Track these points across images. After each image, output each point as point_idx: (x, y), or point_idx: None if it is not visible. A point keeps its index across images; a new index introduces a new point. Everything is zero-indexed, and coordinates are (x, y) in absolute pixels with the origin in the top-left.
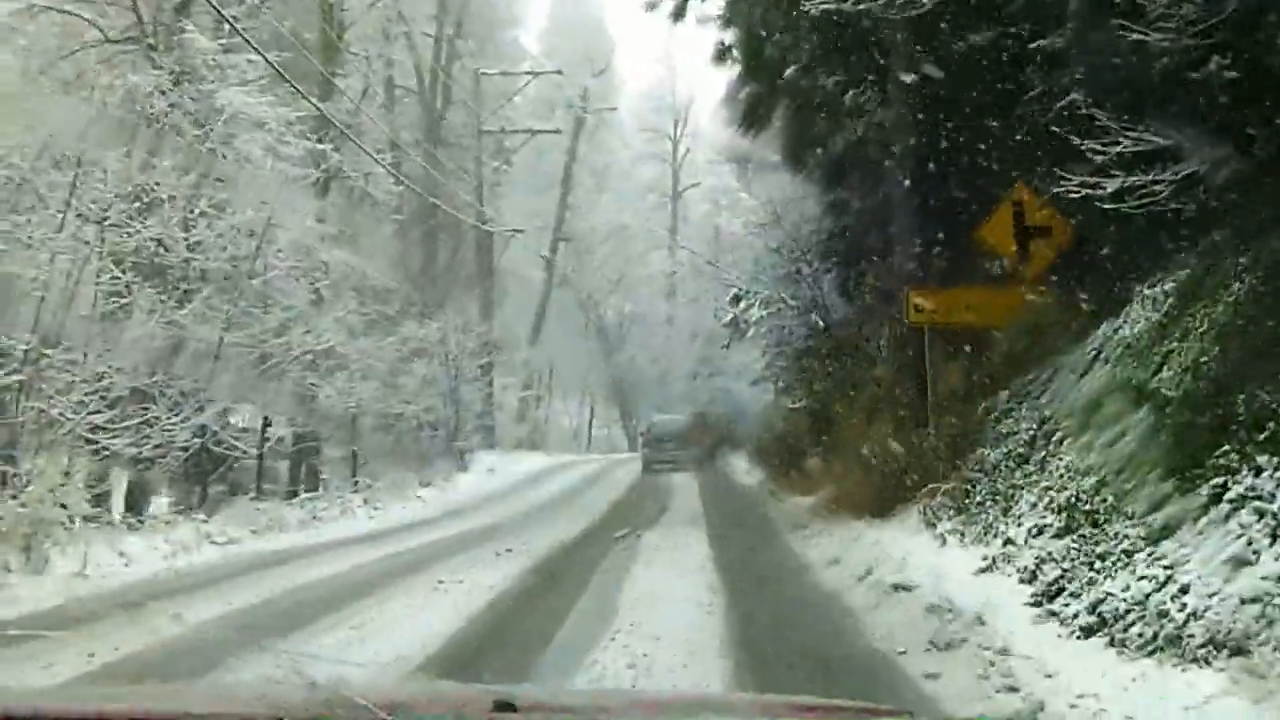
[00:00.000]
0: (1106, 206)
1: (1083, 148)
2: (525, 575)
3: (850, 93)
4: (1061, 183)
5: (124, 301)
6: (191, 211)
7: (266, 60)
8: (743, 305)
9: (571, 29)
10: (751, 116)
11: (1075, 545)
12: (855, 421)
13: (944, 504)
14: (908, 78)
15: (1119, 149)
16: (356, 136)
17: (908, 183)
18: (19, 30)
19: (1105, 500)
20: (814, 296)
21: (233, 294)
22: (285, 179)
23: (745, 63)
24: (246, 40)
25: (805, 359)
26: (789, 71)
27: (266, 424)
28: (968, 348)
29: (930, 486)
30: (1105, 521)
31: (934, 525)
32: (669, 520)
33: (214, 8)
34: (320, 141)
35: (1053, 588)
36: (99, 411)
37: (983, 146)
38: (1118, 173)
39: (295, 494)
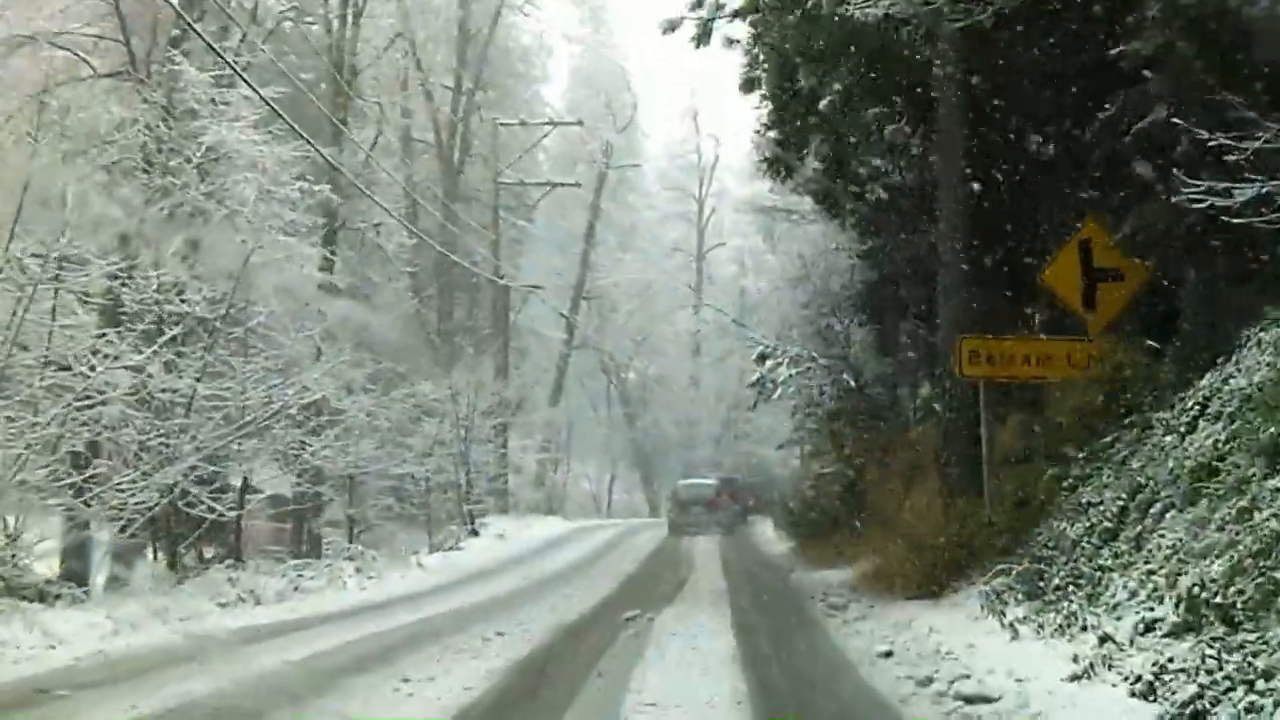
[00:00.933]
0: (1235, 221)
1: (1213, 143)
2: (511, 672)
3: (891, 127)
4: (1176, 195)
5: (82, 346)
6: (163, 251)
7: (260, 95)
8: (769, 364)
9: (593, 85)
10: (781, 160)
11: (1211, 651)
12: (891, 488)
13: (1011, 586)
14: (953, 99)
15: (1260, 143)
16: (368, 186)
17: (955, 224)
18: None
19: (1243, 591)
20: (845, 354)
21: (207, 341)
22: (277, 222)
23: (774, 94)
24: (236, 72)
25: (836, 421)
26: (824, 103)
27: (246, 484)
28: (1023, 405)
29: (995, 565)
30: (1247, 620)
31: (1000, 612)
32: (688, 597)
33: (205, 41)
34: (328, 188)
35: (1189, 709)
36: (48, 467)
37: (1043, 179)
38: (1255, 177)
39: (296, 558)
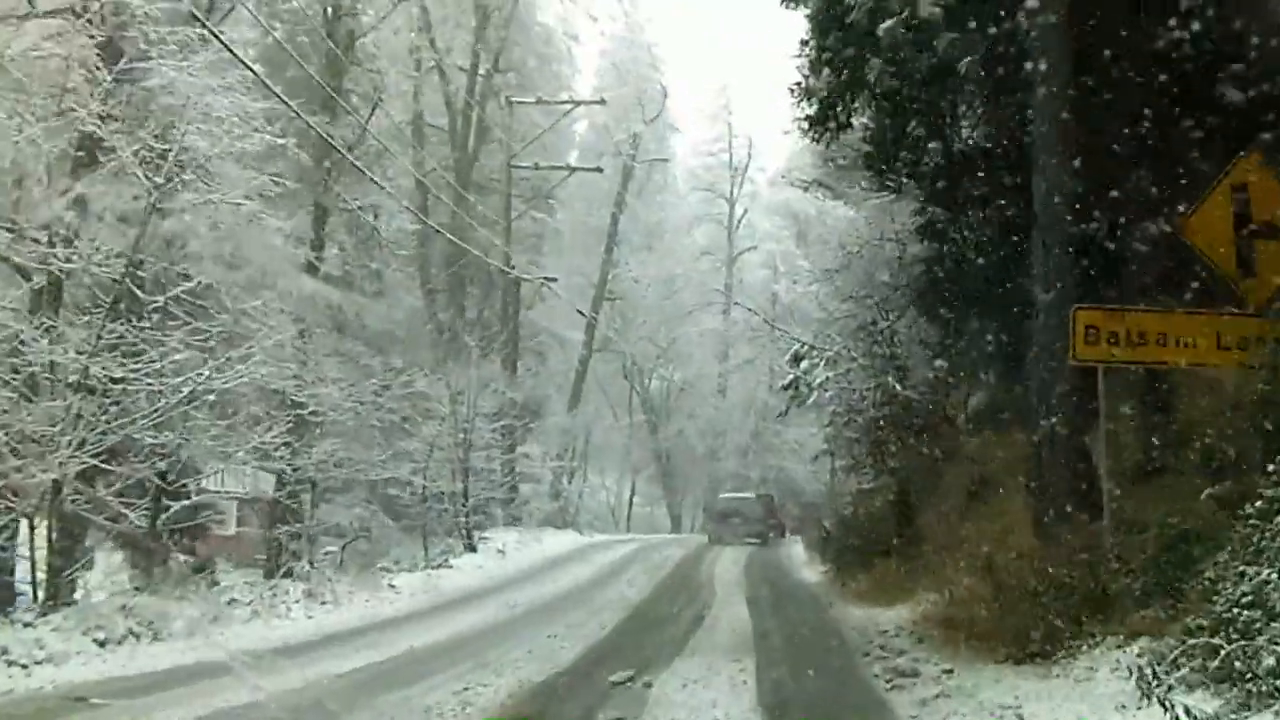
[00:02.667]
0: None
1: None
2: None
3: (970, 59)
4: None
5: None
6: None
7: (217, 38)
8: (805, 366)
9: (621, 73)
10: (827, 113)
11: None
12: (948, 508)
13: (1177, 659)
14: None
15: None
16: (368, 166)
17: (1059, 178)
18: None
19: None
20: (890, 354)
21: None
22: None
23: (819, 19)
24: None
25: (879, 429)
26: (884, 27)
27: (165, 483)
28: (1137, 397)
29: (1136, 622)
30: None
31: (1166, 701)
32: (702, 645)
33: None
34: (293, 141)
35: None
36: None
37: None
38: None
39: (280, 571)
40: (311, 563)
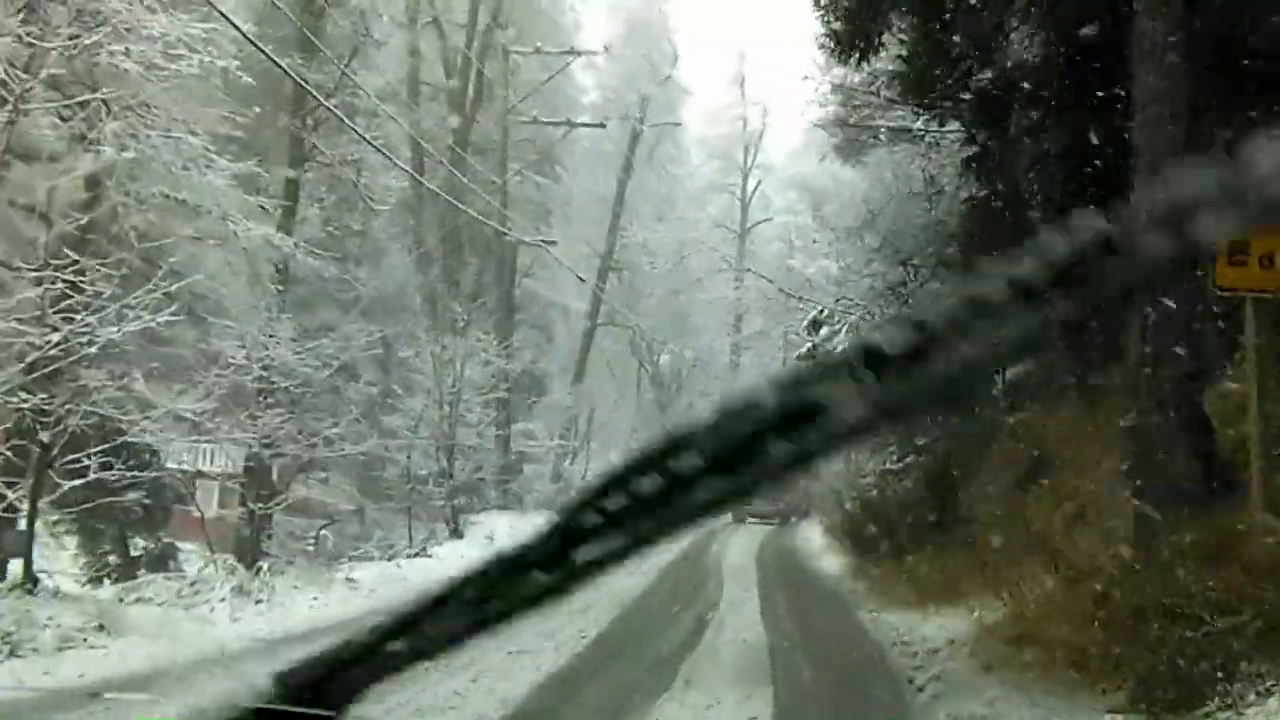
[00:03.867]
0: None
1: None
2: None
3: None
4: None
5: None
6: None
7: None
8: (824, 333)
9: (632, 32)
10: (855, 31)
11: None
12: (997, 492)
13: None
14: None
15: None
16: (349, 117)
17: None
18: None
19: None
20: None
21: None
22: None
23: None
24: None
25: None
26: None
27: (47, 453)
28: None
29: None
30: None
31: None
32: (701, 667)
33: None
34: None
35: None
36: None
37: None
38: None
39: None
40: (264, 554)
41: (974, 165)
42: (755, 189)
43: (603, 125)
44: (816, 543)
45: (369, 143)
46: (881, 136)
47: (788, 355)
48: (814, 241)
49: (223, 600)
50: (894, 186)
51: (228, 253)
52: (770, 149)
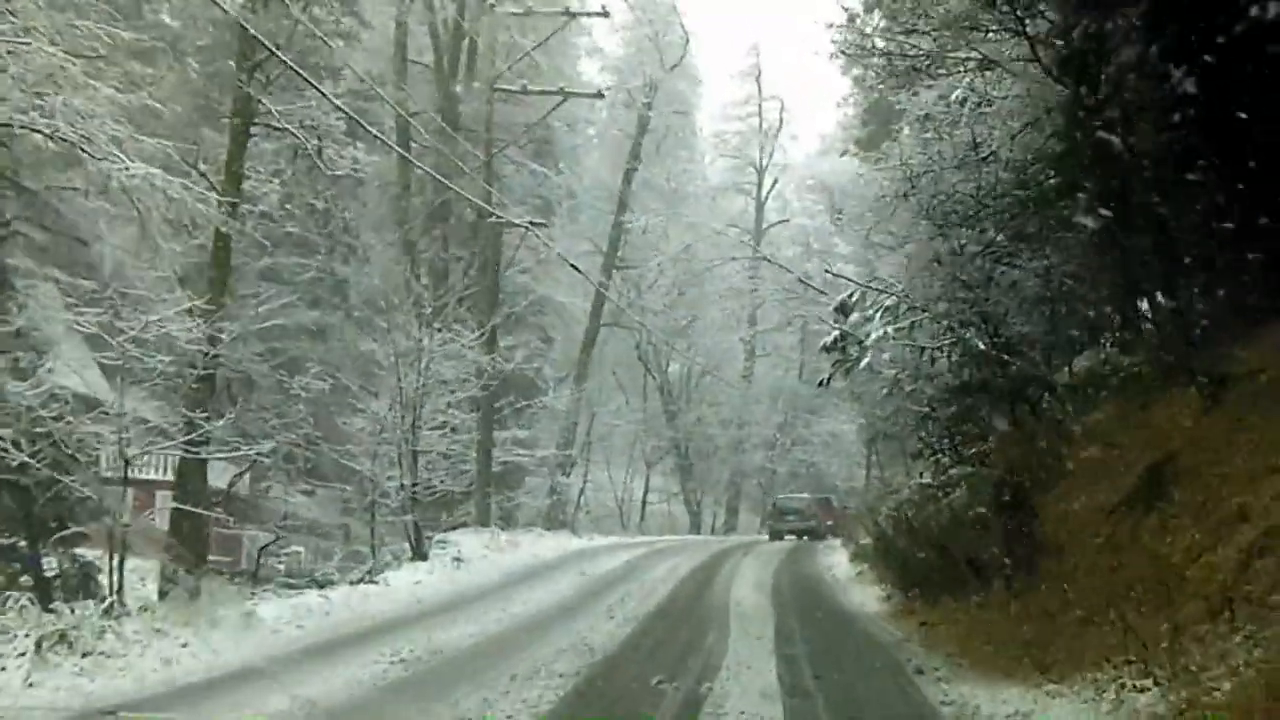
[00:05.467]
0: None
1: None
2: None
3: None
4: None
5: None
6: None
7: None
8: (854, 319)
9: (640, 17)
10: None
11: None
12: (1080, 507)
13: None
14: None
15: None
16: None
17: None
18: None
19: None
20: (975, 297)
21: None
22: None
23: None
24: None
25: (968, 397)
26: None
27: None
28: None
29: None
30: None
31: None
32: None
33: None
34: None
35: None
36: None
37: None
38: None
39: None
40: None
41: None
42: (772, 187)
43: (601, 95)
44: (843, 569)
45: (328, 98)
46: (924, 78)
47: (805, 359)
48: (834, 243)
49: (22, 656)
50: (936, 151)
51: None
52: (789, 147)
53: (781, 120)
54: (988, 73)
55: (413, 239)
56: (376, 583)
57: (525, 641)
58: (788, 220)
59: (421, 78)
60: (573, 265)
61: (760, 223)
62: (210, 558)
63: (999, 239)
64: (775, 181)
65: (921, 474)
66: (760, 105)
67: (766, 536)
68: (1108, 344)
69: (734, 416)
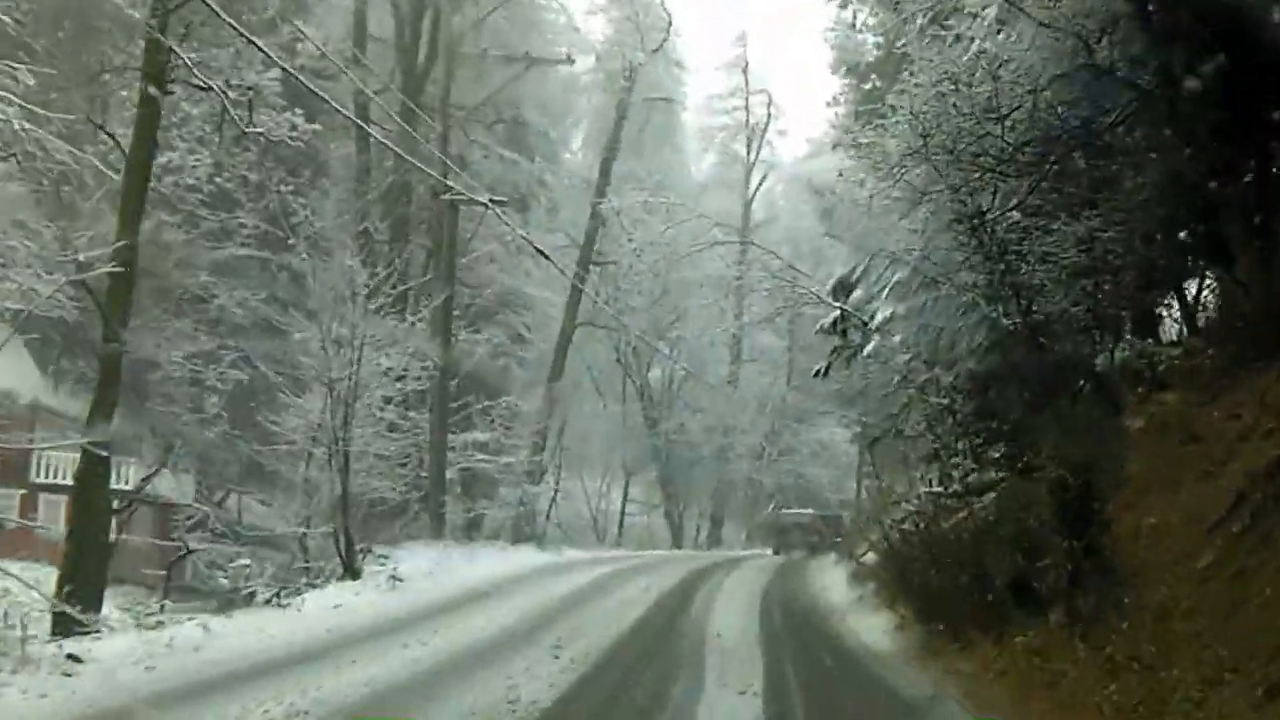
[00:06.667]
0: None
1: None
2: None
3: None
4: None
5: None
6: None
7: None
8: (857, 296)
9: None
10: None
11: None
12: (1155, 521)
13: None
14: None
15: None
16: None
17: None
18: None
19: None
20: (1003, 268)
21: None
22: None
23: None
24: None
25: (994, 387)
26: None
27: None
28: None
29: None
30: None
31: None
32: None
33: None
34: None
35: None
36: None
37: None
38: None
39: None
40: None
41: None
42: (760, 184)
43: (570, 61)
44: (840, 591)
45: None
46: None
47: (794, 361)
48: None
49: None
50: (952, 104)
51: None
52: (777, 144)
53: (770, 115)
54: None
55: (368, 223)
56: (286, 606)
57: (434, 692)
58: (776, 219)
59: (383, 55)
60: (538, 250)
61: (747, 220)
62: (145, 570)
63: (1030, 199)
64: (763, 178)
65: (932, 481)
66: (747, 98)
67: (747, 550)
68: (1163, 323)
69: (718, 423)
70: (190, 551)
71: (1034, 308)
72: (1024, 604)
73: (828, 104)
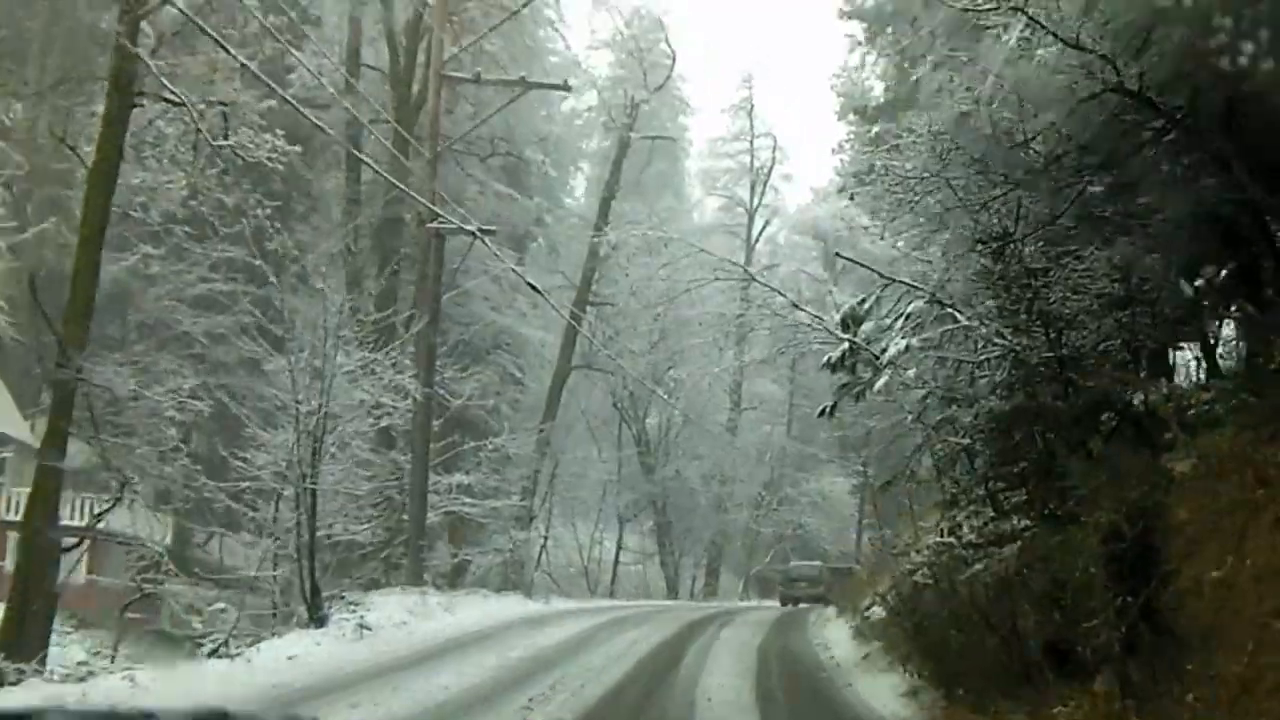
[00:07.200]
0: None
1: None
2: None
3: None
4: None
5: None
6: None
7: None
8: (867, 329)
9: (622, 36)
10: None
11: None
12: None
13: None
14: None
15: None
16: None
17: None
18: None
19: None
20: (1030, 295)
21: None
22: None
23: None
24: None
25: (1021, 427)
26: None
27: None
28: None
29: None
30: None
31: None
32: None
33: None
34: None
35: None
36: None
37: None
38: None
39: None
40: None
41: None
42: (763, 229)
43: (567, 88)
44: (844, 649)
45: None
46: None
47: (795, 403)
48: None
49: None
50: (972, 125)
51: None
52: (782, 189)
53: (774, 158)
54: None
55: (347, 244)
56: (235, 656)
57: None
58: (777, 265)
59: (378, 85)
60: (529, 283)
61: (749, 265)
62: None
63: (1061, 221)
64: (766, 224)
65: (945, 529)
66: (752, 140)
67: (745, 601)
68: (1204, 358)
69: (716, 471)
70: (146, 594)
71: (1063, 340)
72: (1063, 670)
73: (833, 150)
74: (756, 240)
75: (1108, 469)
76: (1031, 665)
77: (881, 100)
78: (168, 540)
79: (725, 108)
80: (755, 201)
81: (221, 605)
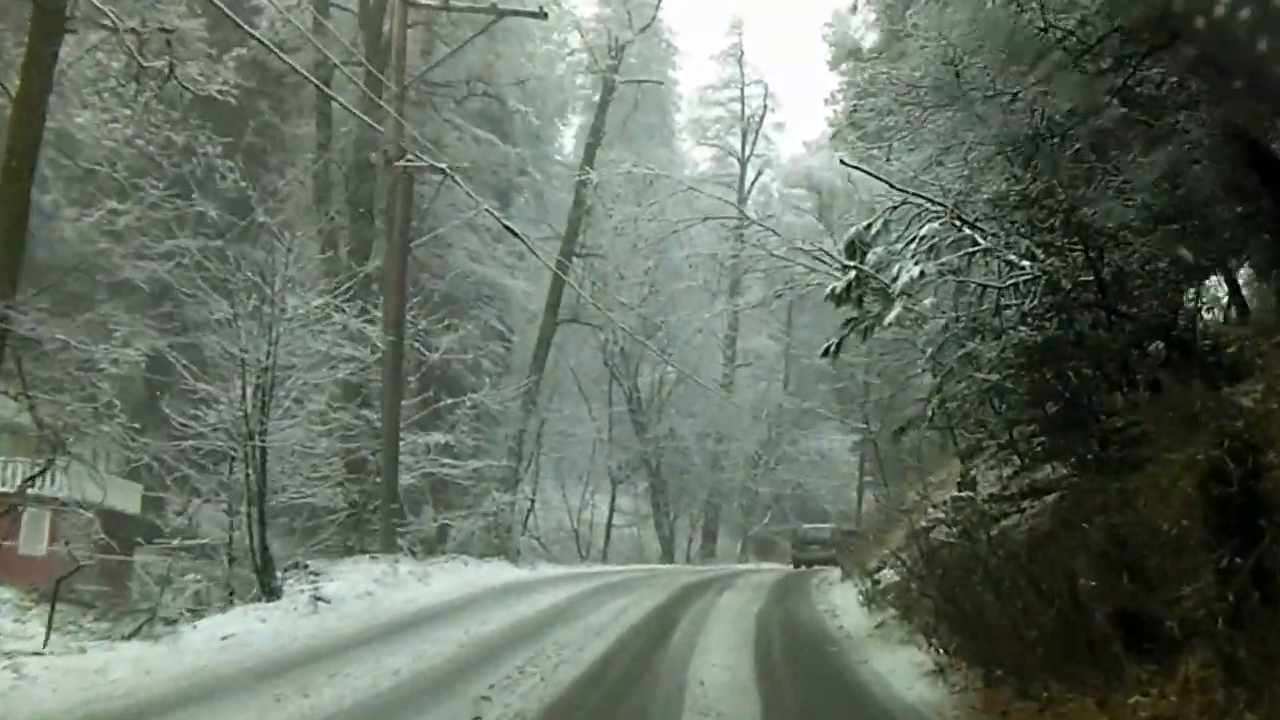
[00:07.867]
0: None
1: None
2: None
3: None
4: None
5: None
6: None
7: None
8: (875, 257)
9: None
10: None
11: None
12: None
13: None
14: None
15: None
16: None
17: None
18: None
19: None
20: (1070, 209)
21: None
22: None
23: None
24: None
25: (1056, 361)
26: None
27: None
28: None
29: None
30: None
31: None
32: None
33: None
34: None
35: None
36: None
37: None
38: None
39: None
40: None
41: None
42: (755, 179)
43: (543, 15)
44: (853, 617)
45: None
46: None
47: (791, 359)
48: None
49: None
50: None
51: None
52: (774, 138)
53: (766, 107)
54: None
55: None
56: (160, 637)
57: None
58: (772, 216)
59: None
60: (508, 227)
61: (742, 218)
62: (86, 588)
63: (1100, 120)
64: (759, 174)
65: (962, 483)
66: (743, 89)
67: (743, 564)
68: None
69: (711, 430)
70: (81, 566)
71: (1105, 257)
72: (1141, 647)
73: (825, 101)
74: (749, 190)
75: (1175, 404)
76: (1096, 641)
77: (875, 41)
78: (136, 508)
79: (715, 54)
80: (747, 150)
81: (195, 576)
